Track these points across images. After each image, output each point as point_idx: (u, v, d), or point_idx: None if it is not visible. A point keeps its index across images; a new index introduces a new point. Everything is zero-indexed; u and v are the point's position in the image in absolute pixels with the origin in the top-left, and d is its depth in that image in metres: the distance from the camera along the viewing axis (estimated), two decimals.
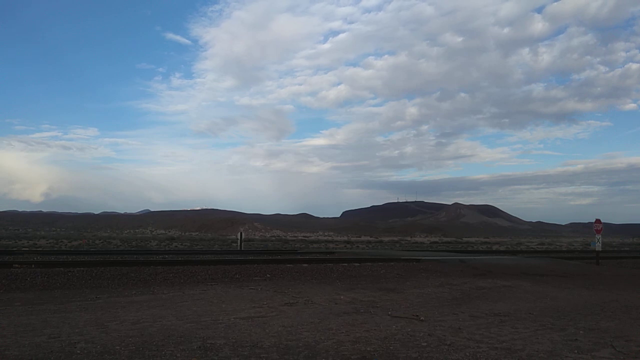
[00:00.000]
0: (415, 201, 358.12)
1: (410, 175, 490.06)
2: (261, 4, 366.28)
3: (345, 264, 16.48)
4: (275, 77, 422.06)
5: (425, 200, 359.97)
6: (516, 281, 13.91)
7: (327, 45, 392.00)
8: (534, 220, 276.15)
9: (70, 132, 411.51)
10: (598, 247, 21.87)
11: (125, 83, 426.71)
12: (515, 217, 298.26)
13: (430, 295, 10.90)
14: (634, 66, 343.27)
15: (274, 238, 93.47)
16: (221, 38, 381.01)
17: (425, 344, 6.07)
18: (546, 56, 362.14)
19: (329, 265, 15.85)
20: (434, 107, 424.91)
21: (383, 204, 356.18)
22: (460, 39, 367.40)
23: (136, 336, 6.20)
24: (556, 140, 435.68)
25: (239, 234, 33.02)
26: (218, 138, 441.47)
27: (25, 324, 6.98)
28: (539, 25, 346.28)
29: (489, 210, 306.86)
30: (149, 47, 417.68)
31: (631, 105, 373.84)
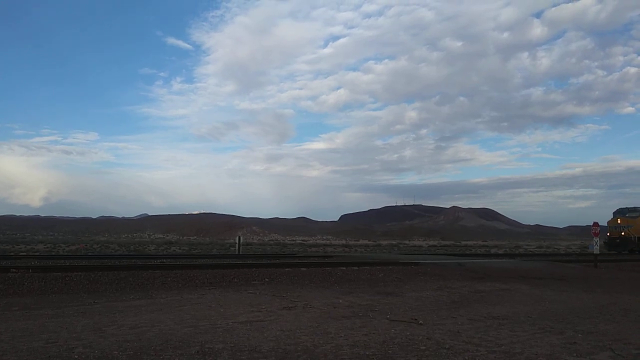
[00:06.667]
0: (414, 205, 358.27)
1: (410, 179, 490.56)
2: (263, 10, 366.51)
3: (344, 268, 16.46)
4: (275, 81, 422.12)
5: (424, 204, 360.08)
6: (514, 284, 13.91)
7: (327, 50, 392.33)
8: (532, 224, 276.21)
9: (70, 137, 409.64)
10: (596, 250, 21.90)
11: (126, 88, 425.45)
12: (514, 220, 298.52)
13: (428, 298, 10.90)
14: (632, 70, 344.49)
15: (272, 242, 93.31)
16: (223, 43, 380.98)
17: (424, 347, 6.07)
18: (545, 60, 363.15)
19: (327, 269, 15.83)
20: (434, 111, 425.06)
21: (381, 208, 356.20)
22: (460, 44, 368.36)
23: (134, 341, 6.18)
24: (554, 143, 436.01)
25: (238, 237, 32.97)
26: (219, 142, 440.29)
27: (23, 328, 6.96)
28: (538, 30, 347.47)
29: (487, 214, 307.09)
30: (151, 52, 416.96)
31: (629, 109, 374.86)
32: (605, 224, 36.57)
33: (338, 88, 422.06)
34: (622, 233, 34.86)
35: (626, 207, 36.14)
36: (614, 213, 36.45)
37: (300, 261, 19.92)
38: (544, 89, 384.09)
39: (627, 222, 34.63)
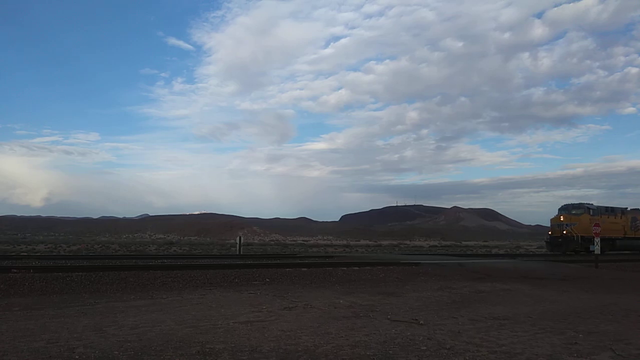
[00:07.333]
0: (415, 205, 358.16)
1: (411, 179, 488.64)
2: (264, 10, 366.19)
3: (345, 268, 16.46)
4: (276, 82, 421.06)
5: (425, 204, 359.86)
6: (515, 284, 13.91)
7: (328, 51, 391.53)
8: (533, 224, 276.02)
9: (71, 137, 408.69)
10: (597, 250, 21.90)
11: (127, 88, 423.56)
12: (515, 220, 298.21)
13: (429, 299, 10.90)
14: (633, 70, 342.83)
15: (273, 242, 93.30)
16: (224, 43, 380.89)
17: (424, 347, 6.07)
18: (546, 60, 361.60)
19: (328, 269, 15.83)
20: (435, 111, 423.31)
21: (382, 208, 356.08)
22: (461, 44, 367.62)
23: (135, 341, 6.18)
24: (555, 144, 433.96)
25: (238, 238, 32.96)
26: (220, 143, 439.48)
27: (24, 329, 6.97)
28: (539, 30, 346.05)
29: (488, 214, 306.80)
30: (152, 52, 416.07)
31: (630, 109, 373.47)
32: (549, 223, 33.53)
33: (339, 88, 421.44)
34: (564, 232, 31.09)
35: (571, 204, 32.81)
36: (558, 210, 33.09)
37: (301, 261, 19.92)
38: (545, 89, 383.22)
39: (571, 220, 31.33)
